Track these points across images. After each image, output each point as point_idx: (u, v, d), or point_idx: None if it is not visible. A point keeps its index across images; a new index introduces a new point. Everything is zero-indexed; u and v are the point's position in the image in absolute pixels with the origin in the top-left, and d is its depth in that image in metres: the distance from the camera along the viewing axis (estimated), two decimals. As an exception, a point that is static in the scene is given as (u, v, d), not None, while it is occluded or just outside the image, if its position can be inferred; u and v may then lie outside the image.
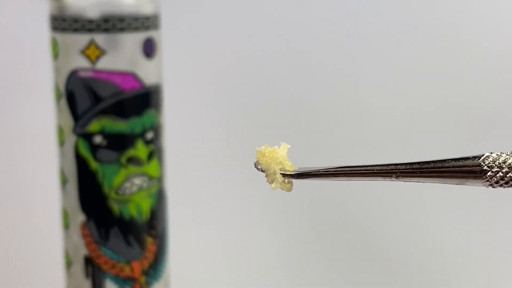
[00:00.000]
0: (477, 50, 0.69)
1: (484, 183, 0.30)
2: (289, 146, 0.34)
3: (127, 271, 0.53)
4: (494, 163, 0.30)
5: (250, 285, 0.74)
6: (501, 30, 0.69)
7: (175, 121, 0.62)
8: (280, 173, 0.33)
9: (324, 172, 0.33)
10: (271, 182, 0.34)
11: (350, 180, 0.32)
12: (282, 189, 0.34)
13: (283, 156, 0.33)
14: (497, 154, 0.30)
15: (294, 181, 0.33)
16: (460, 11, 0.69)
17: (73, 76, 0.51)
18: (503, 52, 0.69)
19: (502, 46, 0.69)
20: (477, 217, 0.72)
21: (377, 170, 0.32)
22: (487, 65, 0.69)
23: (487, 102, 0.70)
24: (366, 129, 0.71)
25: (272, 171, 0.33)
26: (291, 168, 0.33)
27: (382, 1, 0.70)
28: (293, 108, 0.72)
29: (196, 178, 0.73)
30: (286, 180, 0.33)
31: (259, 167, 0.34)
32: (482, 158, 0.30)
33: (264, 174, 0.34)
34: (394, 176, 0.31)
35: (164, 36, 0.54)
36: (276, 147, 0.34)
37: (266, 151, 0.34)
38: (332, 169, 0.32)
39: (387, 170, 0.32)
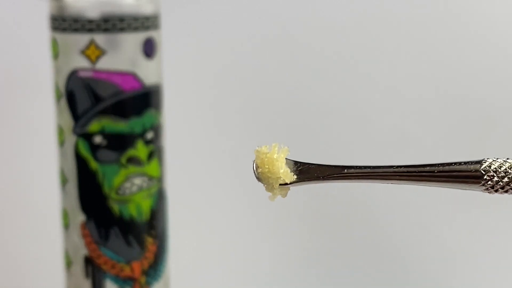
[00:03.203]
0: (479, 50, 0.69)
1: (482, 188, 0.30)
2: (289, 153, 0.33)
3: (127, 271, 0.53)
4: (492, 169, 0.30)
5: (250, 285, 0.74)
6: (505, 28, 0.69)
7: (175, 121, 0.62)
8: (280, 185, 0.33)
9: (319, 176, 0.32)
10: (269, 191, 0.33)
11: (347, 182, 0.32)
12: (279, 195, 0.33)
13: (282, 165, 0.33)
14: (494, 160, 0.30)
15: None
16: (463, 11, 0.69)
17: (73, 76, 0.51)
18: (506, 52, 0.69)
19: (506, 46, 0.69)
20: (479, 219, 0.72)
21: (375, 173, 0.31)
22: (489, 65, 0.69)
23: (489, 103, 0.70)
24: (364, 130, 0.71)
25: (270, 184, 0.33)
26: (289, 179, 0.33)
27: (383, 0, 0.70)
28: (294, 108, 0.72)
29: (196, 178, 0.73)
30: (283, 188, 0.33)
31: (257, 175, 0.33)
32: (481, 163, 0.30)
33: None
34: (392, 180, 0.31)
35: (164, 36, 0.54)
36: (275, 147, 0.33)
37: (266, 159, 0.33)
38: (329, 174, 0.32)
39: (385, 173, 0.31)
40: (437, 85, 0.70)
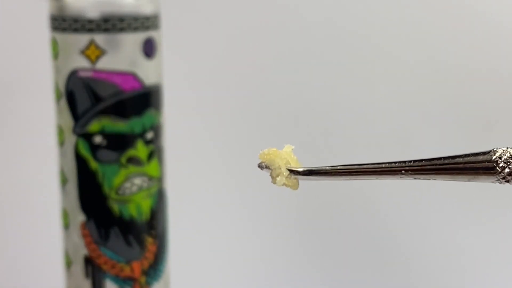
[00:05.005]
0: (480, 47, 0.69)
1: (493, 179, 0.30)
2: (293, 147, 0.33)
3: (127, 271, 0.53)
4: (504, 160, 0.29)
5: (250, 285, 0.74)
6: (506, 25, 0.69)
7: (175, 121, 0.62)
8: (288, 169, 0.32)
9: (332, 170, 0.32)
10: (276, 176, 0.33)
11: (358, 179, 0.32)
12: (288, 185, 0.33)
13: (288, 154, 0.33)
14: (504, 150, 0.30)
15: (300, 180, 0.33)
16: (462, 10, 0.69)
17: (73, 76, 0.51)
18: (507, 49, 0.69)
19: (506, 44, 0.69)
20: (482, 216, 0.72)
21: (385, 167, 0.31)
22: (491, 61, 0.69)
23: (490, 99, 0.70)
24: (369, 128, 0.71)
25: (277, 165, 0.33)
26: (297, 165, 0.33)
27: (383, 0, 0.70)
28: (295, 108, 0.72)
29: (196, 178, 0.73)
30: (292, 177, 0.33)
31: (263, 164, 0.33)
32: (492, 153, 0.30)
33: (268, 172, 0.33)
34: (403, 171, 0.31)
35: (164, 36, 0.54)
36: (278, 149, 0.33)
37: (270, 150, 0.33)
38: (340, 168, 0.32)
39: (396, 167, 0.31)
40: (438, 82, 0.70)
